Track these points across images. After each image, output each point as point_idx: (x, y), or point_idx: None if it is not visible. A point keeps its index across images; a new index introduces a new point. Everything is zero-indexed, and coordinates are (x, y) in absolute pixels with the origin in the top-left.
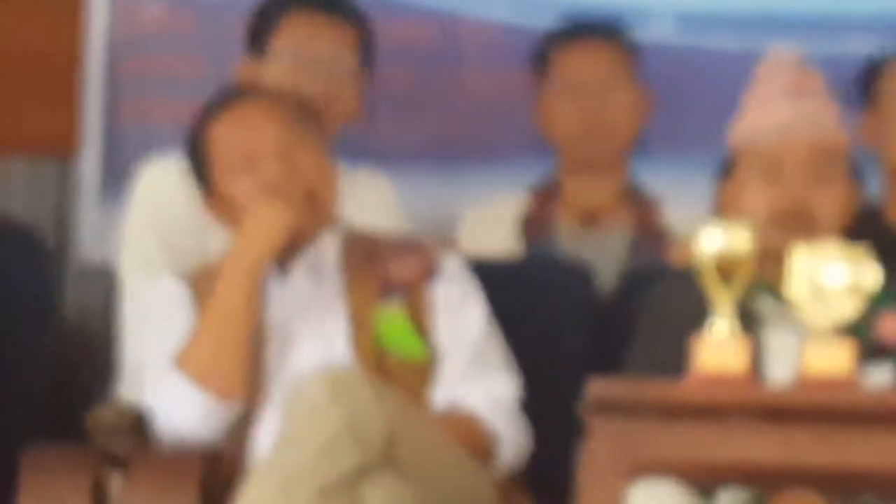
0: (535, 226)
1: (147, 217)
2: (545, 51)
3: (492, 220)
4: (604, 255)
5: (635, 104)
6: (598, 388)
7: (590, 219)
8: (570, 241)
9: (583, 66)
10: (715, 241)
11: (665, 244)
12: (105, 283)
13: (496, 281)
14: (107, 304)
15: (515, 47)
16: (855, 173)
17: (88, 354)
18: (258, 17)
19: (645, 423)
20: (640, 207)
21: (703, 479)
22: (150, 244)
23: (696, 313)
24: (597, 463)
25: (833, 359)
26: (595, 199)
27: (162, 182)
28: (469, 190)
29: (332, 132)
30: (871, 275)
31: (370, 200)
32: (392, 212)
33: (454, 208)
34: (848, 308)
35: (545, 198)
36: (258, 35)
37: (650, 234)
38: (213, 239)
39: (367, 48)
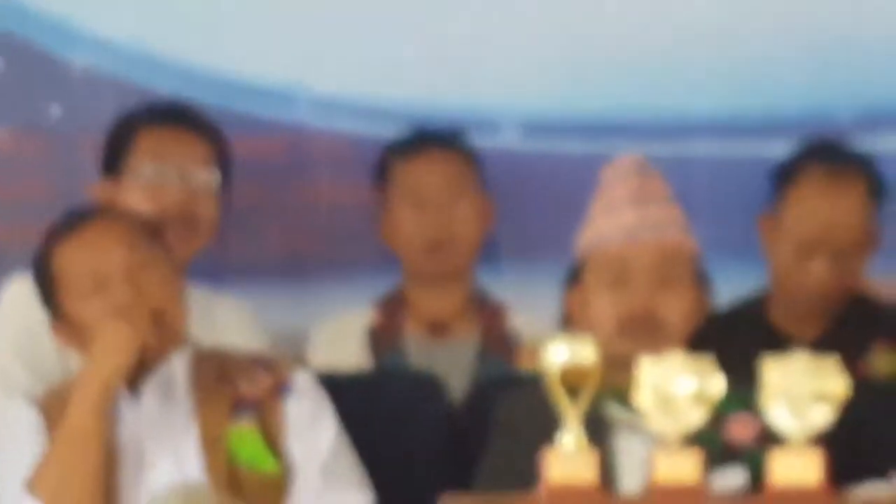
0: (383, 338)
1: (8, 336)
2: (386, 162)
3: (340, 334)
4: (453, 364)
5: (478, 213)
6: None
7: (437, 328)
8: (418, 351)
9: (423, 177)
10: (560, 354)
11: (513, 349)
12: None
13: (347, 394)
14: None
15: (363, 158)
16: (702, 277)
17: None
18: (112, 137)
19: None
20: (487, 314)
21: None
22: (11, 363)
23: (545, 421)
24: None
25: (681, 467)
26: (441, 308)
27: (23, 300)
28: (317, 305)
29: (195, 248)
30: (716, 383)
31: (232, 323)
32: (255, 334)
33: (302, 323)
34: (694, 417)
35: (392, 309)
36: (113, 154)
37: (498, 340)
38: (75, 358)
39: (223, 163)
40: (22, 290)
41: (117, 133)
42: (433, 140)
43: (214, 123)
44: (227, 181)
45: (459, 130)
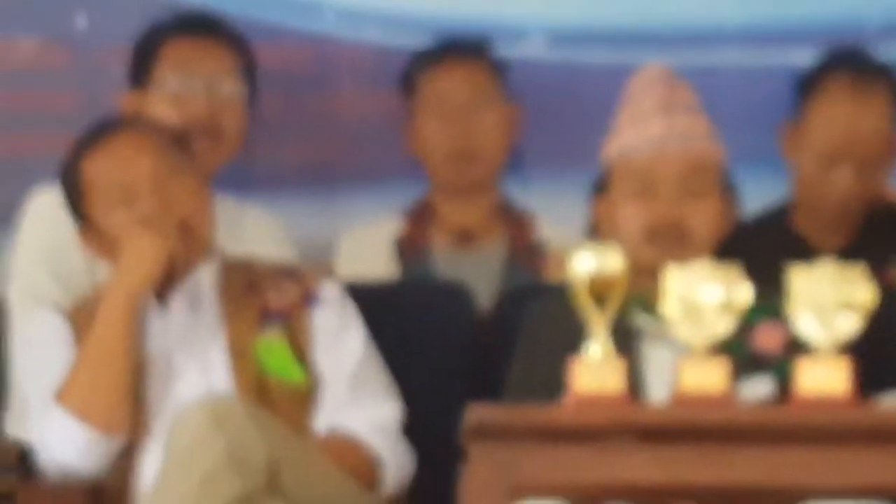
0: (410, 248)
1: (35, 247)
2: (412, 72)
3: (367, 244)
4: (480, 273)
5: (505, 123)
6: (476, 413)
7: (464, 238)
8: (445, 261)
9: (449, 86)
10: (587, 263)
11: (540, 259)
12: None
13: (374, 304)
14: None
15: (388, 69)
16: (728, 187)
17: None
18: (138, 48)
19: (524, 447)
20: (514, 224)
21: (584, 501)
22: (39, 275)
23: (572, 330)
24: (477, 486)
25: (708, 376)
26: (468, 218)
27: (49, 212)
28: (344, 215)
29: (225, 158)
30: (743, 292)
31: (260, 234)
32: (283, 245)
33: (330, 233)
34: (721, 326)
35: (419, 219)
36: (139, 66)
37: (525, 250)
38: (103, 269)
39: (249, 72)
40: (49, 201)
41: (143, 44)
42: (458, 50)
43: (241, 34)
44: (253, 92)
45: (485, 40)
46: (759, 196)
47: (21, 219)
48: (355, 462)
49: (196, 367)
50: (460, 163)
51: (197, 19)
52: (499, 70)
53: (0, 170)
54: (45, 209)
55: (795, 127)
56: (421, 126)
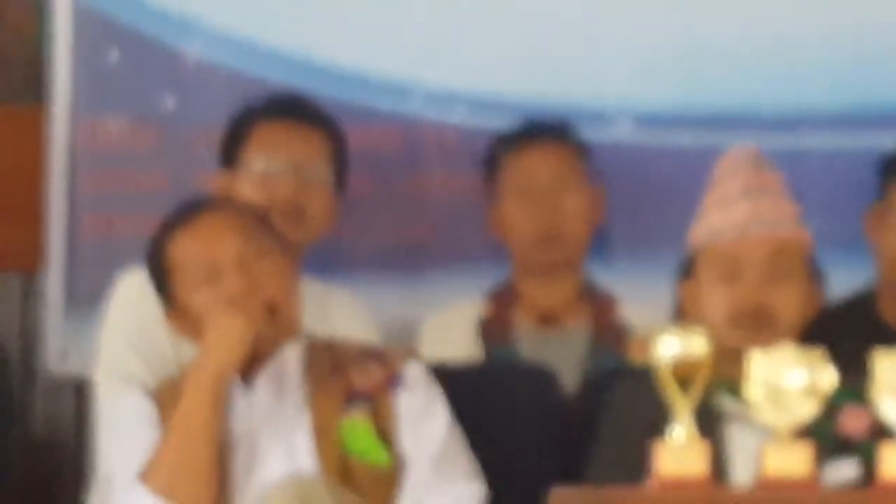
0: (494, 329)
1: (122, 328)
2: (496, 154)
3: (451, 326)
4: (564, 355)
5: (588, 205)
6: (560, 496)
7: (548, 320)
8: (530, 343)
9: (533, 168)
10: (672, 346)
11: (624, 340)
12: (73, 395)
13: (458, 386)
14: (76, 417)
15: (475, 150)
16: (814, 271)
17: (58, 467)
18: (229, 129)
19: None
20: (598, 305)
21: None
22: (126, 355)
23: (656, 414)
24: None
25: (792, 460)
26: (552, 299)
27: (136, 293)
28: (429, 296)
29: (310, 240)
30: (827, 376)
31: (345, 317)
32: (368, 328)
33: (414, 315)
34: (805, 410)
35: (503, 301)
36: (230, 147)
37: (609, 332)
38: (189, 349)
39: (338, 155)
40: (137, 281)
41: (235, 125)
42: (541, 132)
43: (332, 117)
44: (343, 174)
45: (567, 122)
46: (844, 281)
47: (109, 299)
48: None
49: (280, 448)
50: (545, 244)
51: (287, 102)
52: (582, 152)
53: (89, 250)
54: (133, 290)
55: (879, 209)
56: (504, 208)
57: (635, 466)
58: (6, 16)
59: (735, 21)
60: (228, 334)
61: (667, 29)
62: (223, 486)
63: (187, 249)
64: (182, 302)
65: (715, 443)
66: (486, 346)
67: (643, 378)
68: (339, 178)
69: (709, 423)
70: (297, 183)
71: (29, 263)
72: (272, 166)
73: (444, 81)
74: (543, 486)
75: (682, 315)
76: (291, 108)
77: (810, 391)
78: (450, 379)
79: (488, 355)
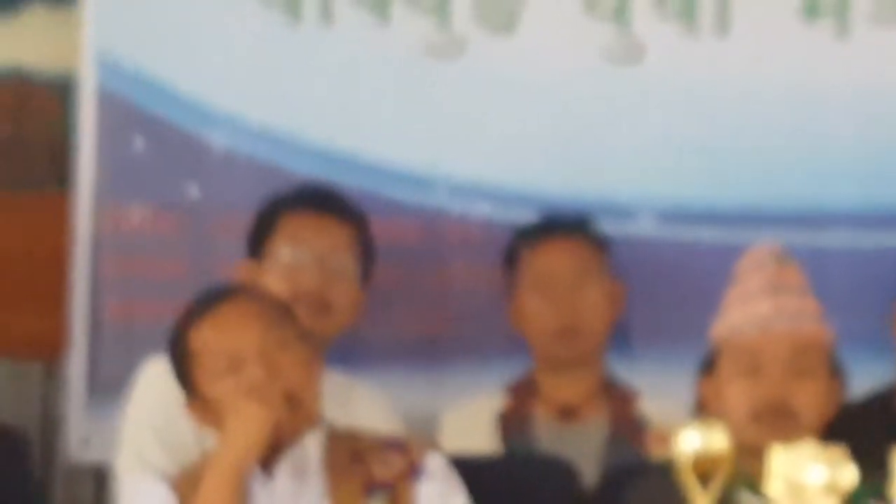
0: (513, 423)
1: (143, 416)
2: (514, 248)
3: (470, 419)
4: (583, 449)
5: (608, 299)
6: None
7: (567, 413)
8: (548, 436)
9: (552, 262)
10: (692, 441)
11: (643, 435)
12: (93, 482)
13: (478, 478)
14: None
15: (497, 243)
16: (836, 368)
17: None
18: (257, 219)
19: None
20: (617, 400)
21: None
22: (147, 443)
23: None
24: None
25: None
26: (571, 393)
27: (159, 381)
28: (450, 389)
29: (334, 332)
30: (848, 474)
31: (367, 410)
32: (390, 422)
33: (434, 407)
34: None
35: (522, 394)
36: (256, 237)
37: (628, 426)
38: (212, 438)
39: (364, 247)
40: (159, 370)
41: (262, 216)
42: (560, 227)
43: (359, 209)
44: (369, 267)
45: (588, 216)
46: (866, 379)
47: (133, 387)
48: None
49: None
50: (564, 338)
51: (314, 193)
52: (603, 246)
53: (111, 336)
54: (155, 378)
55: None
56: (524, 301)
57: None
58: (31, 102)
59: (759, 118)
60: (248, 424)
61: (690, 124)
62: None
63: (208, 339)
64: (203, 391)
65: None
66: (506, 439)
67: (662, 473)
68: (364, 270)
69: None
70: (323, 275)
71: (51, 350)
72: (298, 258)
73: (467, 174)
74: None
75: (703, 411)
76: (319, 200)
77: (831, 488)
78: (469, 471)
79: (507, 448)
